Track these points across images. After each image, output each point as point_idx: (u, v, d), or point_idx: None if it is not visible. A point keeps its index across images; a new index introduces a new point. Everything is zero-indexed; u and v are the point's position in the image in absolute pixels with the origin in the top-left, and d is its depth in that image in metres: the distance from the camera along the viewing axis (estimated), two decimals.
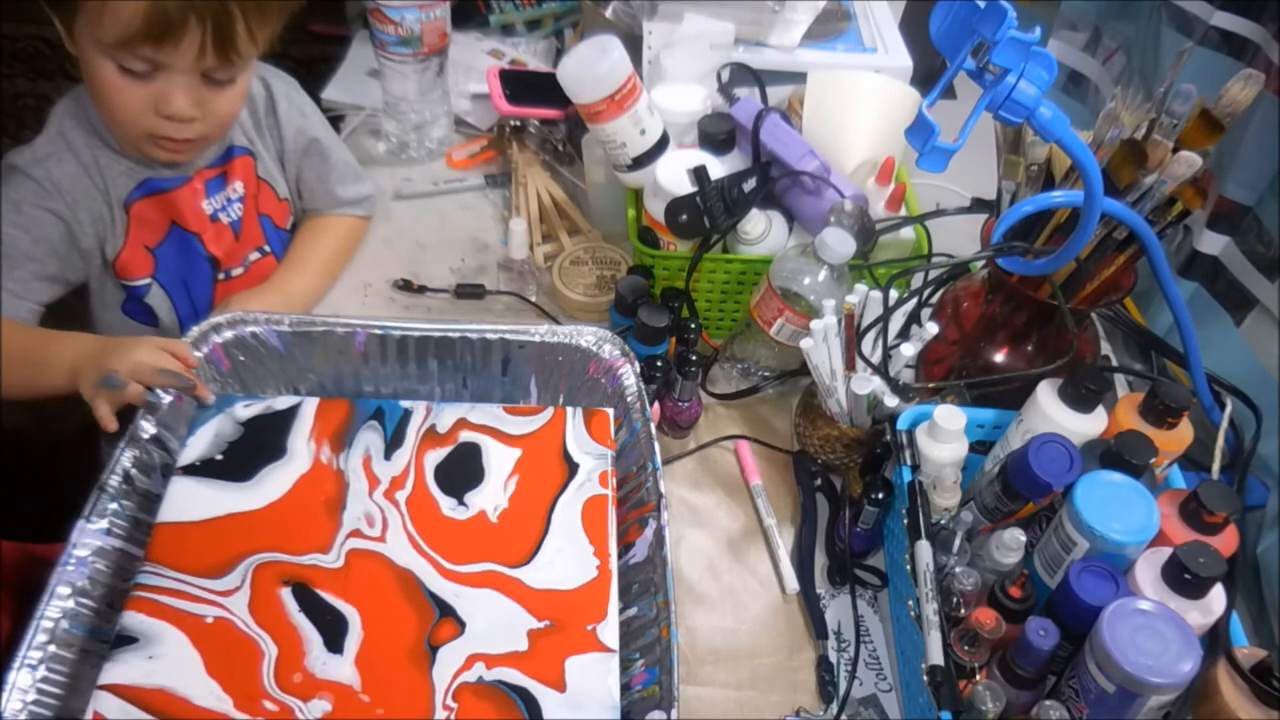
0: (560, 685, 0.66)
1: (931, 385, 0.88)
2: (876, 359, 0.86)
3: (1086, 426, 0.76)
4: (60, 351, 0.84)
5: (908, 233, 1.01)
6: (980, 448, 0.85)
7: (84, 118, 0.90)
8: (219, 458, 0.76)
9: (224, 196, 0.99)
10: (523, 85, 1.27)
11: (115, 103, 0.84)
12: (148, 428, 0.77)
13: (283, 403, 0.80)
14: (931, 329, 0.85)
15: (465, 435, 0.80)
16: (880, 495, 0.83)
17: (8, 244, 0.87)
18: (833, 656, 0.82)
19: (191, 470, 0.75)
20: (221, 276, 1.02)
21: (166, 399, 0.78)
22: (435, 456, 0.78)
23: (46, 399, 0.87)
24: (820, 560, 0.89)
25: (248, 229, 1.02)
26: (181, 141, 0.88)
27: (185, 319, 1.01)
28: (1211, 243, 1.00)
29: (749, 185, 0.97)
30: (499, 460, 0.78)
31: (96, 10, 0.78)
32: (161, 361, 0.78)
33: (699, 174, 0.96)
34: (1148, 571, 0.68)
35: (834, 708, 0.78)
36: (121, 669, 0.64)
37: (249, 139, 1.00)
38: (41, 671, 0.64)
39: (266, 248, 1.05)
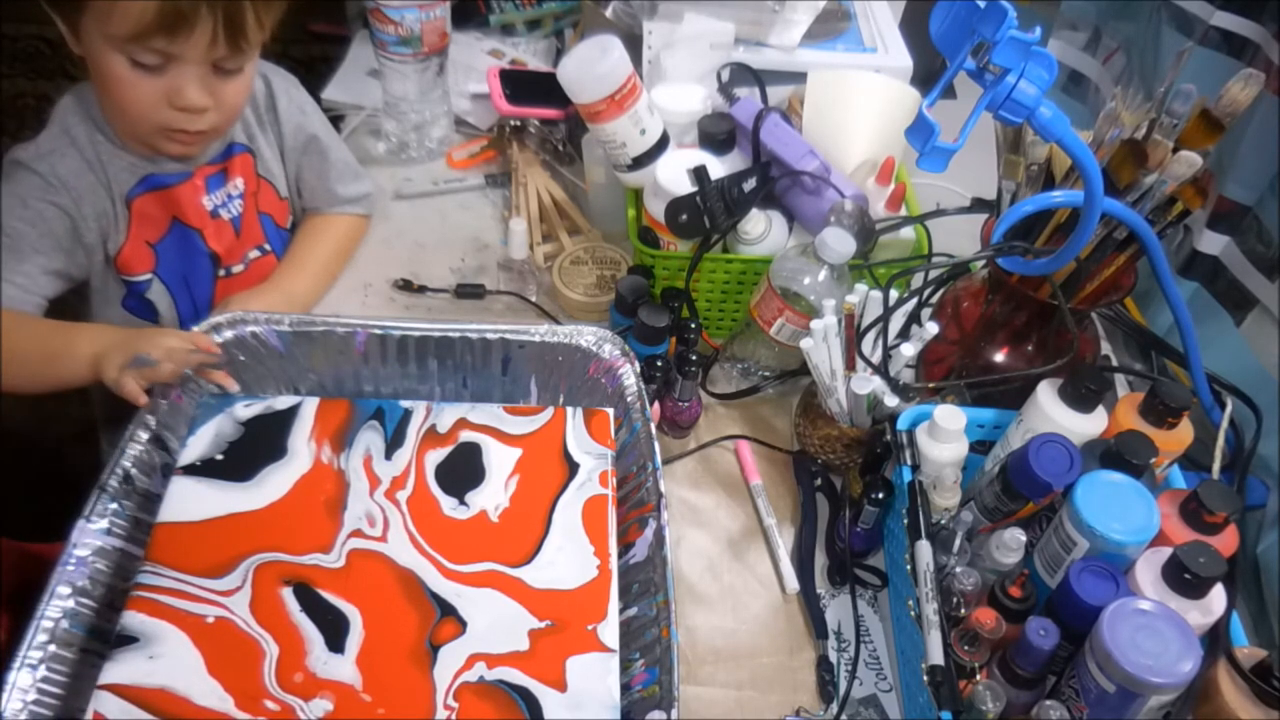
0: (561, 685, 0.66)
1: (931, 385, 0.88)
2: (876, 359, 0.86)
3: (1086, 426, 0.76)
4: (79, 342, 0.84)
5: (908, 232, 1.01)
6: (980, 448, 0.85)
7: (87, 114, 0.91)
8: (219, 458, 0.76)
9: (224, 193, 0.99)
10: (523, 85, 1.27)
11: (128, 98, 0.84)
12: (148, 428, 0.77)
13: (283, 403, 0.80)
14: (931, 329, 0.85)
15: (466, 435, 0.80)
16: (880, 495, 0.83)
17: (14, 237, 0.88)
18: (833, 656, 0.82)
19: (192, 470, 0.75)
20: (222, 273, 1.02)
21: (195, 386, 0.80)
22: (436, 456, 0.78)
23: (54, 393, 0.87)
24: (820, 560, 0.89)
25: (248, 226, 1.02)
26: (194, 133, 0.89)
27: (185, 315, 1.01)
28: (1211, 242, 1.00)
29: (749, 185, 0.97)
30: (499, 460, 0.78)
31: (106, 7, 0.79)
32: (191, 346, 0.80)
33: (699, 174, 0.96)
34: (1148, 571, 0.68)
35: (834, 708, 0.78)
36: (122, 669, 0.64)
37: (249, 135, 1.00)
38: (42, 671, 0.64)
39: (267, 246, 1.05)
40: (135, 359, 0.78)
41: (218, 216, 0.99)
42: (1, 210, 0.87)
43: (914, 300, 0.91)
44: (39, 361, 0.86)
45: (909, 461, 0.79)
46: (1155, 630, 0.63)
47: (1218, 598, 0.68)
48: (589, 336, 0.86)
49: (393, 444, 0.79)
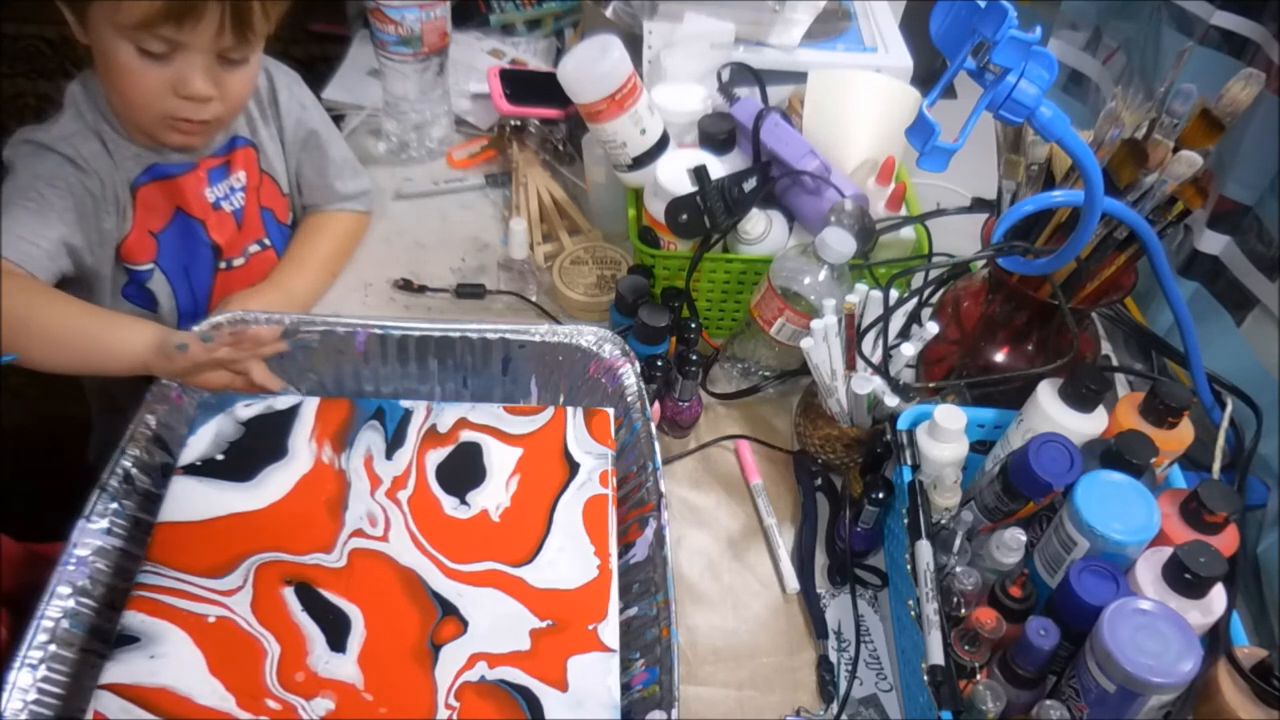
0: (562, 685, 0.67)
1: (932, 385, 0.88)
2: (877, 359, 0.86)
3: (1087, 426, 0.76)
4: (131, 333, 0.81)
5: (908, 232, 1.01)
6: (980, 447, 0.85)
7: (93, 101, 0.91)
8: (220, 457, 0.76)
9: (227, 185, 1.00)
10: (523, 85, 1.27)
11: (134, 86, 0.85)
12: (148, 427, 0.77)
13: (283, 402, 0.80)
14: (932, 329, 0.85)
15: (466, 435, 0.80)
16: (880, 495, 0.83)
17: (43, 204, 0.86)
18: (833, 656, 0.82)
19: (192, 470, 0.75)
20: (222, 266, 1.02)
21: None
22: (436, 456, 0.78)
23: (80, 373, 0.85)
24: (820, 560, 0.89)
25: (249, 219, 1.03)
26: (198, 123, 0.89)
27: (184, 307, 1.01)
28: (1212, 242, 1.00)
29: (749, 185, 0.97)
30: (500, 460, 0.78)
31: None
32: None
33: (699, 174, 0.96)
34: (1148, 571, 0.68)
35: (834, 707, 0.78)
36: (123, 668, 0.64)
37: (252, 130, 1.01)
38: (42, 671, 0.65)
39: (267, 241, 1.05)
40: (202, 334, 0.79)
41: (219, 208, 1.00)
42: (33, 178, 0.87)
43: (914, 300, 0.91)
44: (78, 345, 0.81)
45: (909, 461, 0.79)
46: (1155, 630, 0.63)
47: (1218, 598, 0.68)
48: (589, 336, 0.86)
49: (393, 444, 0.79)
